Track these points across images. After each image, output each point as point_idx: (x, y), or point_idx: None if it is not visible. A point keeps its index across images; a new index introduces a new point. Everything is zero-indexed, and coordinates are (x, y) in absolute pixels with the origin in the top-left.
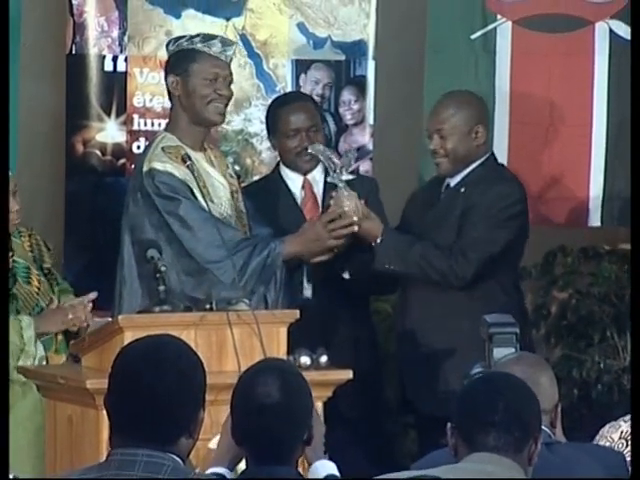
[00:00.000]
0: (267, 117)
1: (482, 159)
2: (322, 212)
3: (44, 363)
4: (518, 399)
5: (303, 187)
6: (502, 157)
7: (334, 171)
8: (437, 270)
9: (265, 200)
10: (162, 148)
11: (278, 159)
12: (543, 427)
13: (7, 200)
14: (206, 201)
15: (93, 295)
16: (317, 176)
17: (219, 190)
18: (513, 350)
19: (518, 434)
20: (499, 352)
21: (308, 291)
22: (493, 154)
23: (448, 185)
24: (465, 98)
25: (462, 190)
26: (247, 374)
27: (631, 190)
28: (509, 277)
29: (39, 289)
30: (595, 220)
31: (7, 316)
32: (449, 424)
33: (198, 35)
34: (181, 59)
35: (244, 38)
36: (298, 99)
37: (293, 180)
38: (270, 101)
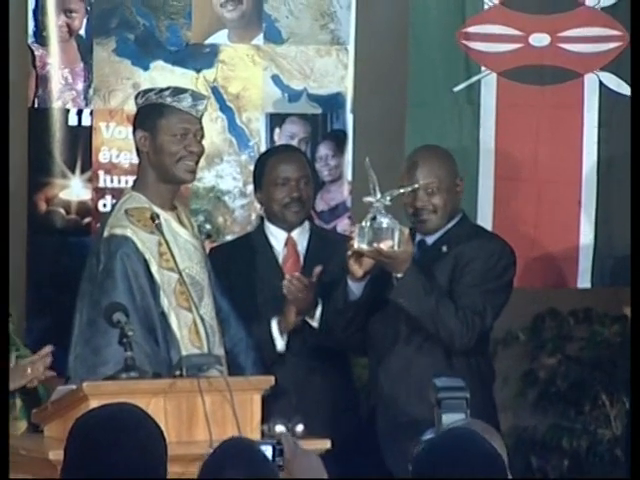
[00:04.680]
0: (255, 169)
1: (458, 216)
2: (303, 268)
3: None
4: (481, 461)
5: (286, 245)
6: (487, 214)
7: (378, 192)
8: (447, 328)
9: (245, 257)
10: (125, 210)
11: (262, 215)
12: None
13: (7, 205)
14: (162, 269)
15: (49, 349)
16: (302, 234)
17: (190, 252)
18: (463, 416)
19: None
20: (448, 418)
21: (281, 343)
22: (464, 211)
23: (423, 243)
24: (442, 152)
25: (444, 249)
26: (213, 460)
27: (631, 247)
28: (487, 345)
29: None
30: (585, 281)
31: (7, 327)
32: None
33: (168, 88)
34: (149, 114)
35: (215, 91)
36: (288, 150)
37: (276, 237)
38: (243, 156)
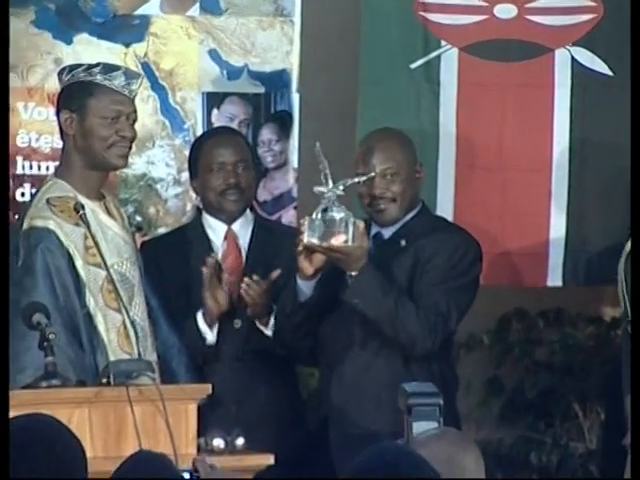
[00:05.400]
0: (190, 154)
1: (418, 207)
2: (246, 263)
3: None
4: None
5: (226, 239)
6: (447, 205)
7: (330, 181)
8: (407, 331)
9: (179, 252)
10: (47, 200)
11: (198, 205)
12: None
13: (7, 199)
14: (88, 265)
15: None
16: (244, 227)
17: (119, 246)
18: (436, 424)
19: None
20: (419, 426)
21: (211, 336)
22: (424, 202)
23: (379, 236)
24: (400, 135)
25: (403, 243)
26: (120, 473)
27: (631, 243)
28: (450, 349)
29: None
30: (556, 279)
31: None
32: None
33: (98, 65)
34: (76, 92)
35: (147, 67)
36: (226, 132)
37: (215, 230)
38: (177, 140)
